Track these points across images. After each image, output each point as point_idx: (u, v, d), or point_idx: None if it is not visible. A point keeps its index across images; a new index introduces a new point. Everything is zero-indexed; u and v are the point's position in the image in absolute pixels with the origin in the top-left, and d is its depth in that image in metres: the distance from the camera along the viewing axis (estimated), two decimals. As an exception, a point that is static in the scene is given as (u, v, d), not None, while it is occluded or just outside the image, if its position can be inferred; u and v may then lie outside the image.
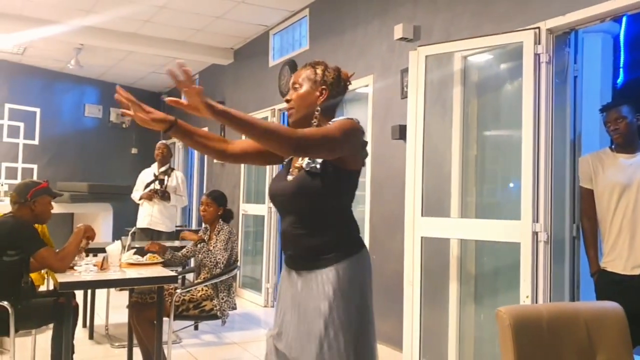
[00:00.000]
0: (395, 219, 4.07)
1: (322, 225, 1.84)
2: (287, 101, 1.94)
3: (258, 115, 6.42)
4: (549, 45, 3.13)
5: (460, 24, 3.75)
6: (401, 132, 4.07)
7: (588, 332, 1.66)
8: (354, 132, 1.81)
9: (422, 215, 3.54)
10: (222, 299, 3.67)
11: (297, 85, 1.95)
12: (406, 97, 3.94)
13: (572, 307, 1.92)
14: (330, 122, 1.84)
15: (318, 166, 1.81)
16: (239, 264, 3.90)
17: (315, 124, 1.88)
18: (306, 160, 1.84)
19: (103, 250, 3.57)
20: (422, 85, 3.60)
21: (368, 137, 4.38)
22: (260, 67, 6.61)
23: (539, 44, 3.12)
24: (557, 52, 3.17)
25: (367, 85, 4.63)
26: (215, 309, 3.66)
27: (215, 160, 7.57)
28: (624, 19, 4.21)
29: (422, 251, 3.53)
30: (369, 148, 2.47)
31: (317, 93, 1.91)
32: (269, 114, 6.18)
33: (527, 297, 3.02)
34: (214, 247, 3.71)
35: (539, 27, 3.13)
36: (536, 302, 3.00)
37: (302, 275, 1.85)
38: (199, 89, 1.64)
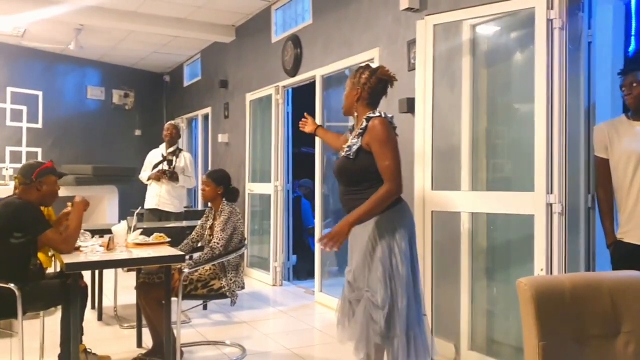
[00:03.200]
0: (405, 193, 3.98)
1: (361, 190, 2.56)
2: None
3: (262, 92, 6.34)
4: (562, 9, 3.02)
5: (469, -9, 3.63)
6: (409, 106, 3.99)
7: (612, 302, 1.60)
8: (391, 135, 2.55)
9: (432, 189, 3.47)
10: (230, 279, 3.63)
11: (348, 84, 2.70)
12: (413, 69, 3.85)
13: (595, 276, 1.86)
14: (368, 115, 2.58)
15: (352, 154, 2.56)
16: (245, 242, 3.85)
17: (355, 115, 2.68)
18: (346, 147, 2.61)
19: (109, 231, 3.53)
20: (430, 56, 3.50)
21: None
22: (262, 44, 6.49)
23: (552, 8, 3.01)
24: (571, 17, 3.06)
25: (372, 59, 4.53)
26: (223, 288, 3.62)
27: (220, 140, 7.51)
28: (637, -16, 4.08)
29: (433, 225, 3.47)
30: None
31: (354, 92, 2.66)
32: (272, 91, 6.09)
33: (542, 269, 2.96)
34: (217, 227, 3.66)
35: (551, -9, 3.01)
36: (551, 275, 2.94)
37: (356, 226, 2.53)
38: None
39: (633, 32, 4.53)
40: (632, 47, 4.59)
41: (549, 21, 3.01)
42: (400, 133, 4.07)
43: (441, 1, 3.86)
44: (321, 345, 4.14)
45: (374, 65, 4.32)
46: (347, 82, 2.71)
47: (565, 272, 2.97)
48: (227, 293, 3.63)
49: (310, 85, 5.46)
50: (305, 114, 3.26)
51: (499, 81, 3.72)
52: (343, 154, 2.61)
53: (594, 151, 2.99)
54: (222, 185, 3.80)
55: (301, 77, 5.66)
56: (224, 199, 3.77)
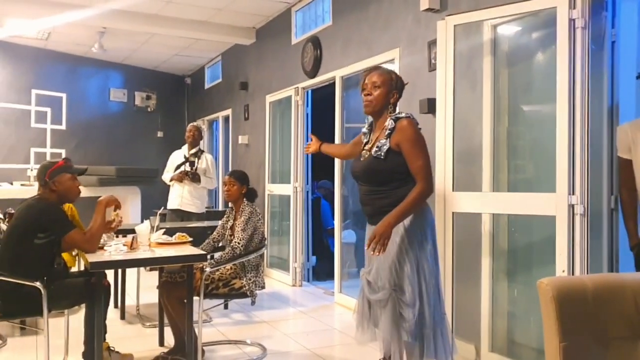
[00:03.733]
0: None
1: (389, 190, 2.60)
2: (368, 95, 2.69)
3: (282, 94, 6.37)
4: (585, 9, 2.99)
5: (490, -9, 3.61)
6: (430, 106, 3.98)
7: (636, 304, 1.59)
8: (420, 135, 2.61)
9: (453, 190, 3.46)
10: (250, 279, 3.66)
11: (377, 85, 2.67)
12: (434, 69, 3.84)
13: (618, 278, 1.84)
14: (396, 115, 2.63)
15: (383, 154, 2.59)
16: (266, 242, 3.88)
17: (384, 116, 2.68)
18: (375, 147, 2.62)
19: (132, 231, 3.58)
20: (451, 56, 3.50)
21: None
22: (282, 46, 6.53)
23: (574, 8, 2.98)
24: (594, 17, 3.03)
25: (392, 60, 4.53)
26: (244, 287, 3.65)
27: (240, 142, 7.56)
28: (662, -18, 4.01)
29: (454, 226, 3.46)
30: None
31: (391, 95, 2.69)
32: (292, 93, 6.11)
33: (563, 271, 2.93)
34: (237, 227, 3.70)
35: (574, -9, 2.99)
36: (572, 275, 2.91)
37: (371, 227, 2.60)
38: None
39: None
40: (656, 46, 4.50)
41: (571, 21, 2.98)
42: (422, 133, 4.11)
43: (462, 1, 3.84)
44: (341, 346, 4.15)
45: (399, 65, 4.38)
46: (379, 78, 2.68)
47: (587, 273, 2.93)
48: (248, 292, 3.66)
49: (330, 87, 5.48)
50: (310, 135, 3.40)
51: (520, 82, 3.69)
52: (373, 154, 2.63)
53: (617, 152, 2.95)
54: (246, 185, 3.85)
55: (321, 79, 5.67)
56: (245, 199, 3.81)
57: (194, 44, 8.01)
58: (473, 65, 3.72)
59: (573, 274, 2.91)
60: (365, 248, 2.60)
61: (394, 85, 2.69)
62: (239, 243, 3.63)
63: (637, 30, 3.82)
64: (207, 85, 9.33)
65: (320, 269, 6.26)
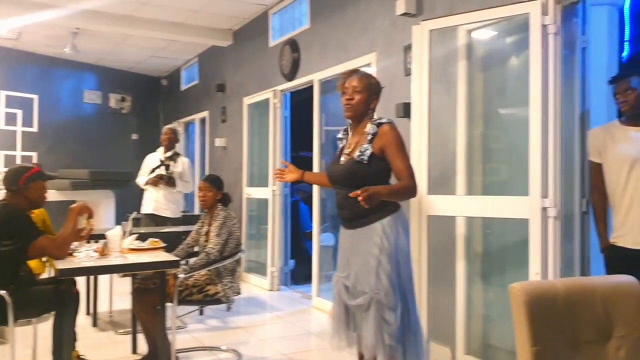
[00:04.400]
0: (400, 199, 3.99)
1: None
2: (349, 99, 2.67)
3: (260, 96, 6.34)
4: (557, 15, 3.02)
5: (464, -4, 3.64)
6: (405, 110, 3.99)
7: (605, 307, 1.60)
8: (402, 139, 2.61)
9: (428, 194, 3.47)
10: (226, 284, 3.62)
11: (358, 90, 2.66)
12: (410, 74, 3.85)
13: (588, 281, 1.86)
14: (379, 120, 2.63)
15: (366, 159, 2.58)
16: (242, 247, 3.85)
17: (364, 121, 2.67)
18: (357, 152, 2.61)
19: (104, 236, 3.52)
20: (427, 61, 3.51)
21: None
22: (260, 48, 6.50)
23: (546, 14, 3.01)
24: (565, 23, 3.07)
25: (369, 64, 4.53)
26: (219, 293, 3.61)
27: (217, 144, 7.50)
28: (631, -10, 4.09)
29: (429, 230, 3.47)
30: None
31: (371, 100, 2.69)
32: (270, 95, 6.09)
33: (537, 274, 2.96)
34: (212, 232, 3.66)
35: (546, -3, 3.02)
36: (546, 280, 2.93)
37: (358, 230, 2.60)
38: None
39: (627, 38, 4.55)
40: (625, 53, 4.61)
41: (544, 27, 3.02)
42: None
43: (437, 6, 3.87)
44: (317, 350, 4.13)
45: (376, 69, 4.39)
46: (359, 83, 2.67)
47: (560, 276, 2.96)
48: (223, 299, 3.62)
49: (310, 90, 5.47)
50: (284, 162, 3.28)
51: (494, 86, 3.73)
52: (356, 159, 2.61)
53: (589, 156, 2.99)
54: (221, 190, 3.81)
55: (299, 82, 5.66)
56: (219, 204, 3.77)
57: (170, 46, 7.93)
58: (448, 69, 3.74)
59: (546, 277, 2.94)
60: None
61: (373, 90, 2.71)
62: (213, 248, 3.59)
63: (607, 37, 3.90)
64: (183, 87, 9.25)
65: (298, 273, 6.23)
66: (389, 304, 2.50)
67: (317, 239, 5.27)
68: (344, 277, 2.66)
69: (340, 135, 2.85)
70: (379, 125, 2.61)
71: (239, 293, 3.75)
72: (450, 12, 3.64)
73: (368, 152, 2.58)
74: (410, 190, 2.56)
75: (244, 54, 6.95)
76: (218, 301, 3.64)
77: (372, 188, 2.40)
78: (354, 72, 2.76)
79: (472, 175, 3.63)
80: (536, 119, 3.01)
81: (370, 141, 2.60)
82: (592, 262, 3.11)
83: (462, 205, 3.47)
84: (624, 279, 1.70)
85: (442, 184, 3.63)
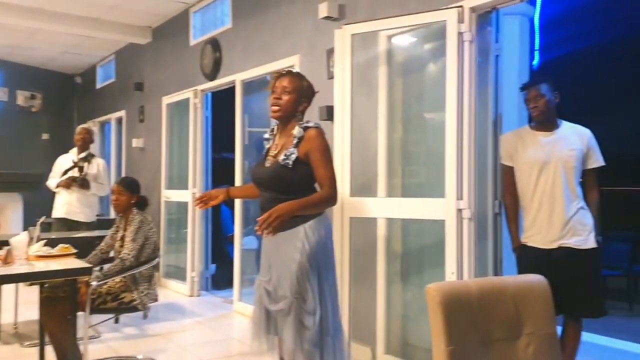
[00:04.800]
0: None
1: (291, 199, 2.48)
2: (277, 99, 2.60)
3: (180, 96, 6.17)
4: (472, 24, 3.14)
5: (385, 2, 3.71)
6: (329, 113, 4.01)
7: (515, 305, 1.67)
8: (328, 145, 2.58)
9: (350, 196, 3.50)
10: (142, 291, 3.48)
11: (288, 90, 2.61)
12: (333, 77, 3.87)
13: (500, 281, 1.93)
14: (305, 124, 2.58)
15: (291, 163, 2.52)
16: (160, 253, 3.71)
17: (291, 123, 2.61)
18: (282, 155, 2.55)
19: (7, 243, 3.27)
20: (348, 65, 3.54)
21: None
22: (180, 46, 6.33)
23: (462, 22, 3.12)
24: (480, 32, 3.19)
25: (292, 66, 4.52)
26: (135, 301, 3.47)
27: (135, 145, 7.23)
28: (539, 2, 4.33)
29: (351, 231, 3.50)
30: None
31: (300, 103, 2.63)
32: (190, 95, 5.94)
33: (453, 273, 3.05)
34: (127, 237, 3.51)
35: (462, 6, 3.13)
36: (461, 279, 3.04)
37: (280, 234, 2.48)
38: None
39: (537, 47, 4.81)
40: (536, 61, 4.88)
41: (460, 34, 3.12)
42: (320, 140, 4.14)
43: (359, 11, 3.91)
44: (239, 356, 4.06)
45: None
46: (290, 84, 2.62)
47: (474, 275, 3.08)
48: (139, 306, 3.48)
49: (232, 90, 5.38)
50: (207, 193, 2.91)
51: (413, 91, 3.82)
52: (280, 162, 2.55)
53: (501, 159, 3.13)
54: (136, 194, 3.65)
55: (220, 82, 5.56)
56: (135, 207, 3.62)
57: (84, 42, 7.56)
58: (369, 73, 3.80)
59: (462, 276, 3.04)
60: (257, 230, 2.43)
61: (304, 93, 2.65)
62: (128, 254, 3.44)
63: (518, 45, 4.10)
64: (99, 85, 8.85)
65: (219, 277, 6.12)
66: (308, 308, 2.47)
67: (239, 242, 5.19)
68: (266, 281, 2.63)
69: (267, 136, 2.78)
70: (306, 129, 2.56)
71: (156, 300, 3.62)
72: (372, 18, 3.69)
73: (293, 157, 2.53)
74: (328, 199, 2.53)
75: (164, 53, 6.75)
76: (134, 309, 3.50)
77: (280, 208, 2.38)
78: (288, 72, 2.71)
79: (393, 178, 3.70)
80: (452, 123, 3.11)
81: (296, 145, 2.55)
82: (504, 261, 3.25)
83: (382, 207, 3.52)
84: (533, 278, 1.78)
85: (364, 186, 3.68)
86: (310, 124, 2.59)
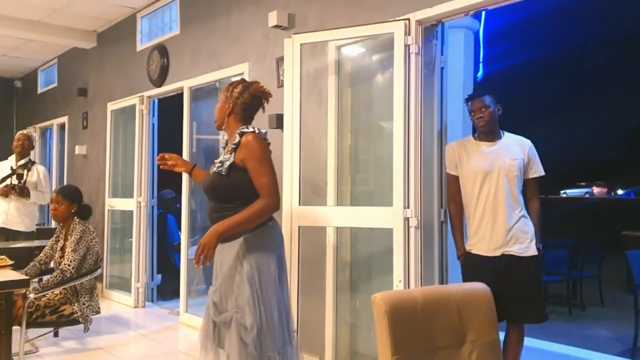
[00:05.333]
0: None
1: (234, 208, 2.46)
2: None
3: (126, 102, 6.02)
4: (418, 36, 3.21)
5: (335, 13, 3.74)
6: (278, 122, 4.00)
7: (459, 313, 1.70)
8: (266, 151, 2.51)
9: (299, 205, 3.50)
10: (84, 303, 3.36)
11: (220, 99, 2.63)
12: (282, 85, 3.87)
13: (444, 289, 1.96)
14: (241, 130, 2.52)
15: (224, 170, 2.47)
16: (103, 263, 3.60)
17: (225, 128, 2.62)
18: (217, 162, 2.53)
19: (-63, 253, 3.10)
20: (298, 73, 3.55)
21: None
22: (127, 52, 6.18)
23: (409, 34, 3.19)
24: (426, 44, 3.27)
25: (242, 73, 4.49)
26: (75, 313, 3.34)
27: (77, 152, 7.00)
28: (483, 16, 4.46)
29: (300, 240, 3.49)
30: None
31: (227, 106, 2.60)
32: (136, 101, 5.80)
33: (400, 281, 3.09)
34: (68, 248, 3.38)
35: (408, 19, 3.20)
36: (408, 287, 3.08)
37: (225, 245, 2.50)
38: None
39: (481, 60, 4.96)
40: (480, 73, 5.02)
41: (407, 47, 3.18)
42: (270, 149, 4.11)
43: (309, 21, 3.93)
44: (185, 368, 3.97)
45: (248, 79, 4.35)
46: (221, 95, 2.65)
47: (421, 283, 3.12)
48: (80, 319, 3.36)
49: (180, 97, 5.29)
50: (170, 155, 2.90)
51: (362, 100, 3.86)
52: (215, 169, 2.52)
53: (446, 169, 3.19)
54: (77, 203, 3.52)
55: (168, 88, 5.46)
56: (75, 217, 3.49)
57: (25, 45, 7.27)
58: (319, 82, 3.82)
59: (409, 284, 3.08)
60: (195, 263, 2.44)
61: (229, 96, 2.60)
62: (69, 265, 3.32)
63: (463, 58, 4.22)
64: (40, 90, 8.53)
65: (165, 288, 5.98)
66: (246, 324, 2.42)
67: (186, 251, 5.09)
68: (213, 291, 2.60)
69: (222, 145, 2.76)
70: (242, 134, 2.51)
71: (98, 312, 3.50)
72: (321, 28, 3.72)
73: (227, 163, 2.48)
74: (265, 209, 2.44)
75: (109, 58, 6.57)
76: (74, 322, 3.38)
77: (208, 236, 2.36)
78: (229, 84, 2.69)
79: (342, 186, 3.72)
80: (399, 133, 3.16)
81: (233, 151, 2.50)
82: (450, 269, 3.32)
83: (331, 216, 3.54)
84: (476, 286, 1.82)
85: (313, 194, 3.68)
86: (248, 130, 2.52)
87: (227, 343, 2.48)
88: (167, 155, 2.85)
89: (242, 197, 2.47)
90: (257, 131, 2.54)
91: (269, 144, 2.60)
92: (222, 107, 2.61)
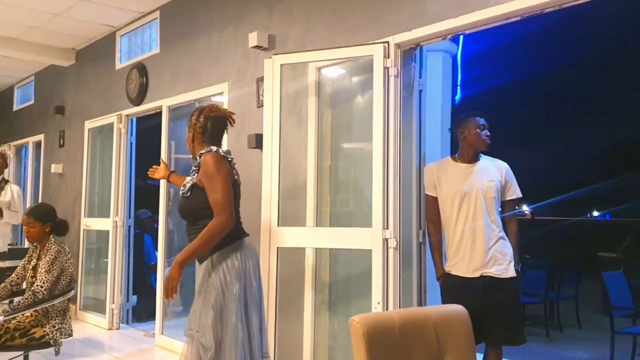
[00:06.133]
0: (252, 230, 3.94)
1: (200, 228, 2.51)
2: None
3: (104, 121, 5.97)
4: (397, 59, 3.25)
5: (315, 35, 3.77)
6: (258, 141, 3.99)
7: (437, 335, 1.69)
8: (220, 168, 2.53)
9: (278, 225, 3.47)
10: (55, 326, 3.27)
11: (187, 127, 2.74)
12: (262, 105, 3.87)
13: (422, 312, 1.96)
14: (200, 152, 2.61)
15: (187, 193, 2.60)
16: (77, 284, 3.52)
17: (193, 153, 2.70)
18: (181, 187, 2.64)
19: None
20: (278, 94, 3.56)
21: (224, 145, 4.22)
22: (105, 70, 6.14)
23: (388, 57, 3.22)
24: (405, 67, 3.31)
25: (222, 93, 4.49)
26: (47, 336, 3.25)
27: (53, 171, 6.89)
28: (461, 40, 4.55)
29: (278, 261, 3.46)
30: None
31: (190, 134, 2.72)
32: (115, 120, 5.75)
33: (379, 303, 3.08)
34: (41, 268, 3.30)
35: (387, 42, 3.24)
36: (387, 308, 3.06)
37: (200, 264, 2.61)
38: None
39: (459, 82, 5.03)
40: (458, 96, 5.09)
41: (386, 69, 3.21)
42: (249, 169, 4.10)
43: (289, 42, 3.96)
44: (160, 392, 3.88)
45: (228, 99, 4.35)
46: (188, 123, 2.77)
47: (400, 304, 3.11)
48: (51, 342, 3.27)
49: (159, 116, 5.26)
50: (161, 159, 3.34)
51: (342, 121, 3.88)
52: (180, 193, 2.65)
53: (425, 190, 3.21)
54: (50, 222, 3.45)
55: (146, 107, 5.43)
56: (52, 235, 3.42)
57: (1, 62, 7.19)
58: (299, 103, 3.83)
59: (387, 306, 3.07)
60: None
61: (190, 124, 2.71)
62: (41, 287, 3.23)
63: (441, 81, 4.27)
64: (16, 107, 8.42)
65: (141, 309, 5.86)
66: (204, 343, 2.46)
67: (162, 272, 5.01)
68: (192, 311, 2.65)
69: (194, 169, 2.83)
70: (201, 155, 2.59)
71: (70, 335, 3.41)
72: (302, 49, 3.74)
73: (188, 185, 2.59)
74: (219, 227, 2.47)
75: (88, 76, 6.52)
76: (45, 345, 3.28)
77: (171, 271, 2.46)
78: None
79: (322, 207, 3.71)
80: (378, 154, 3.17)
81: (195, 172, 2.61)
82: (429, 290, 3.31)
83: (310, 237, 3.52)
84: (454, 308, 1.82)
85: (292, 215, 3.66)
86: (206, 150, 2.61)
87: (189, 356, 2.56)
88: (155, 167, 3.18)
89: (206, 215, 2.52)
90: (214, 150, 2.60)
91: (230, 160, 2.65)
92: (188, 137, 2.74)
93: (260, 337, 2.60)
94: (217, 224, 2.45)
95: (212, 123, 2.67)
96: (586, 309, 6.73)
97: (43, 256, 3.39)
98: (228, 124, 2.75)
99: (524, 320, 5.93)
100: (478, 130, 3.05)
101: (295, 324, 3.59)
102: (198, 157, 2.60)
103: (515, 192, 3.11)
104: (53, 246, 3.38)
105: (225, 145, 4.33)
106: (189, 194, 2.57)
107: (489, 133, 3.07)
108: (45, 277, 3.25)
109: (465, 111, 3.54)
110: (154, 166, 3.21)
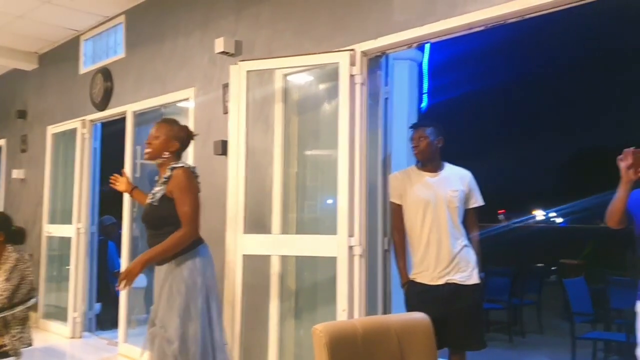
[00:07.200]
0: (217, 237, 3.91)
1: (164, 234, 2.73)
2: (148, 144, 2.89)
3: (67, 126, 5.85)
4: (363, 67, 3.27)
5: (282, 41, 3.78)
6: (224, 148, 3.96)
7: (399, 343, 1.70)
8: (192, 184, 2.80)
9: (244, 233, 3.45)
10: (14, 335, 3.19)
11: (155, 136, 2.88)
12: (228, 112, 3.85)
13: (384, 319, 1.97)
14: (172, 165, 2.81)
15: (156, 202, 2.78)
16: (38, 292, 3.43)
17: (161, 162, 2.88)
18: (150, 194, 2.83)
19: None
20: (244, 100, 3.55)
21: (190, 151, 4.19)
22: (69, 74, 6.02)
23: (354, 65, 3.24)
24: (370, 75, 3.33)
25: (188, 98, 4.45)
26: (5, 346, 3.16)
27: (15, 176, 6.70)
28: (427, 49, 4.61)
29: (244, 269, 3.44)
30: (190, 162, 3.35)
31: (171, 144, 2.88)
32: (78, 125, 5.64)
33: (344, 310, 3.08)
34: (0, 277, 3.21)
35: (354, 49, 3.26)
36: (353, 315, 3.07)
37: (161, 267, 2.79)
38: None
39: (425, 90, 5.09)
40: (424, 104, 5.15)
41: (352, 77, 3.24)
42: (215, 175, 4.07)
43: (256, 48, 3.95)
44: (122, 403, 3.80)
45: (194, 105, 4.33)
46: (157, 131, 2.90)
47: (365, 311, 3.12)
48: (10, 352, 3.18)
49: (125, 121, 5.17)
50: (122, 170, 3.50)
51: (309, 128, 3.89)
52: (148, 200, 2.84)
53: (390, 197, 3.23)
54: (3, 231, 3.35)
55: (111, 112, 5.34)
56: (7, 245, 3.32)
57: (-40, 63, 6.98)
58: (266, 110, 3.82)
59: (353, 313, 3.07)
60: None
61: (173, 135, 2.90)
62: (0, 295, 3.14)
63: (407, 89, 4.32)
64: (-24, 111, 8.17)
65: (104, 317, 5.74)
66: (169, 337, 2.66)
67: (127, 280, 4.91)
68: (154, 308, 2.81)
69: (156, 178, 2.98)
70: (173, 169, 2.78)
71: (30, 344, 3.33)
72: (269, 55, 3.74)
73: (159, 195, 2.78)
74: (185, 238, 2.72)
75: (51, 80, 6.39)
76: (4, 355, 3.20)
77: (133, 264, 2.67)
78: (162, 121, 3.03)
79: (288, 213, 3.70)
80: (344, 162, 3.19)
81: (164, 183, 2.79)
82: (393, 297, 3.34)
83: (276, 244, 3.51)
84: (415, 316, 1.84)
85: (258, 222, 3.64)
86: (178, 165, 2.81)
87: (149, 355, 2.79)
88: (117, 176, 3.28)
89: (171, 223, 2.75)
90: (186, 166, 2.84)
91: (197, 176, 2.87)
92: (163, 144, 2.92)
93: (220, 325, 2.83)
94: (184, 233, 2.70)
95: (188, 141, 3.00)
96: (548, 314, 6.87)
97: (2, 265, 3.30)
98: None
99: (488, 326, 6.03)
100: (412, 142, 3.17)
101: (261, 332, 3.57)
102: (170, 170, 2.78)
103: (477, 200, 3.17)
104: (12, 254, 3.30)
105: (191, 150, 4.34)
106: (157, 203, 2.77)
107: (417, 144, 3.13)
108: (4, 286, 3.17)
109: (429, 119, 3.59)
110: (115, 175, 3.30)
